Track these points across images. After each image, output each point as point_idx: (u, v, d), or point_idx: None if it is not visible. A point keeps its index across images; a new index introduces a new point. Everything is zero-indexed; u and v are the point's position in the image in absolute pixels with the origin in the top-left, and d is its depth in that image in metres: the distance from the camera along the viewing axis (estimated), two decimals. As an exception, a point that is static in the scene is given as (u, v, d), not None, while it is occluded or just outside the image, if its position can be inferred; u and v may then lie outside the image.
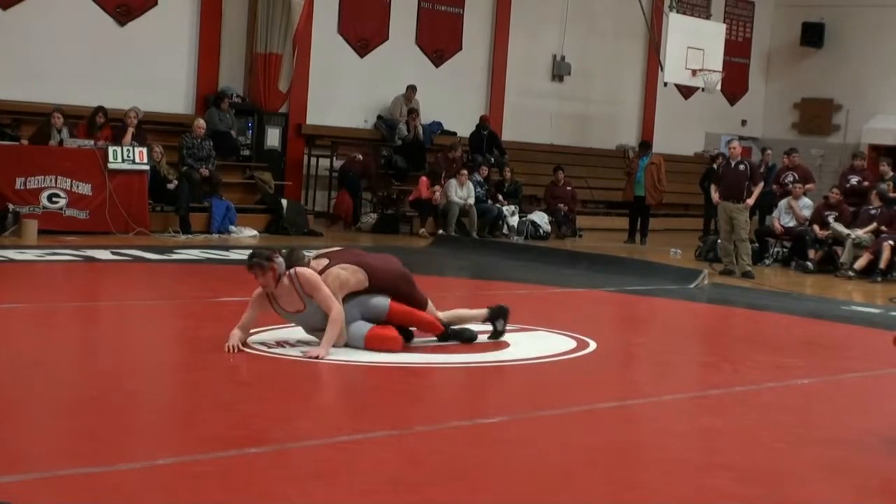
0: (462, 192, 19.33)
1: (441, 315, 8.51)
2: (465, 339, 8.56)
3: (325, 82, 20.40)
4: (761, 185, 16.20)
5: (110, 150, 15.60)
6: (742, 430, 6.56)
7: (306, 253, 8.23)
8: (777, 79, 28.65)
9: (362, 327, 8.03)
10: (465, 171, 19.49)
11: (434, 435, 5.96)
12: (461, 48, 22.82)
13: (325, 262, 8.12)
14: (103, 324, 9.41)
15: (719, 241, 16.31)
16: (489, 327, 8.77)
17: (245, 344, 7.76)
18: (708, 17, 25.23)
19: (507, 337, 8.91)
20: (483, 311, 8.78)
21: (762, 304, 12.77)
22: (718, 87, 22.72)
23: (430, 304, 8.49)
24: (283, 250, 8.10)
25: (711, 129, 27.16)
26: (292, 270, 7.82)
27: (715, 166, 20.53)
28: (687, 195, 23.88)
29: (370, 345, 7.95)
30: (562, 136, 24.62)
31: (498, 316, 8.76)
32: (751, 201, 15.74)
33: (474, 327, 8.73)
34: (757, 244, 17.45)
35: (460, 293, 13.18)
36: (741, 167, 15.81)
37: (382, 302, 8.14)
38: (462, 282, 14.50)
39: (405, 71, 21.43)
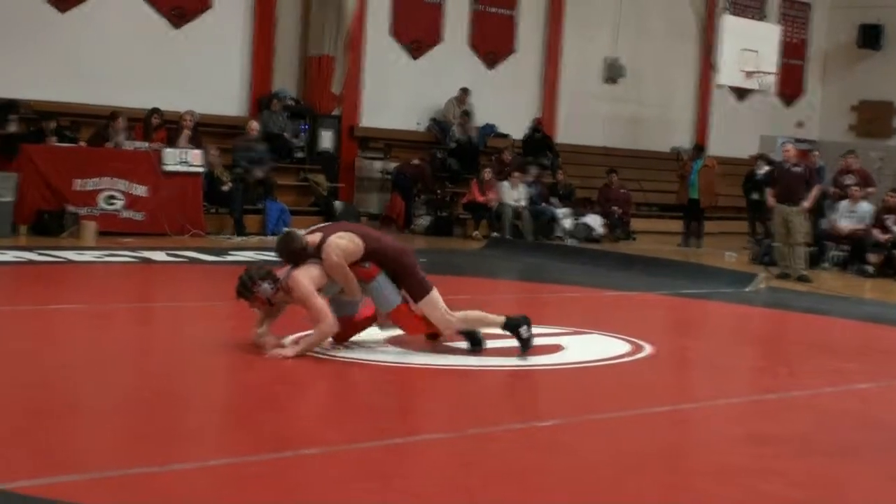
0: (515, 193, 19.30)
1: (457, 315, 8.03)
2: (473, 342, 8.16)
3: (378, 84, 20.44)
4: (819, 187, 16.02)
5: (166, 152, 15.74)
6: (798, 436, 6.48)
7: (300, 232, 8.01)
8: (834, 81, 28.33)
9: (394, 297, 7.88)
10: (517, 174, 19.46)
11: (487, 438, 5.93)
12: (514, 50, 22.79)
13: (319, 235, 7.83)
14: (158, 325, 9.48)
15: (775, 244, 16.15)
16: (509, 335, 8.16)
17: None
18: (762, 18, 25.03)
19: (560, 340, 8.87)
20: (501, 318, 8.11)
21: (819, 308, 12.62)
22: (773, 89, 22.51)
23: (442, 304, 7.99)
24: (279, 234, 8.04)
25: (766, 132, 26.89)
26: (282, 282, 7.62)
27: (756, 170, 20.45)
28: (742, 198, 23.65)
29: (395, 316, 7.86)
30: (615, 139, 24.49)
31: (518, 325, 8.07)
32: (808, 204, 15.57)
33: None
34: (815, 247, 17.25)
35: (513, 296, 13.15)
36: (797, 170, 15.64)
37: (394, 300, 7.91)
38: (515, 284, 14.47)
39: (458, 73, 21.42)
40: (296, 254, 7.75)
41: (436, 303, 7.89)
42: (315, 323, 7.57)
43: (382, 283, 7.86)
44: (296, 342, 7.68)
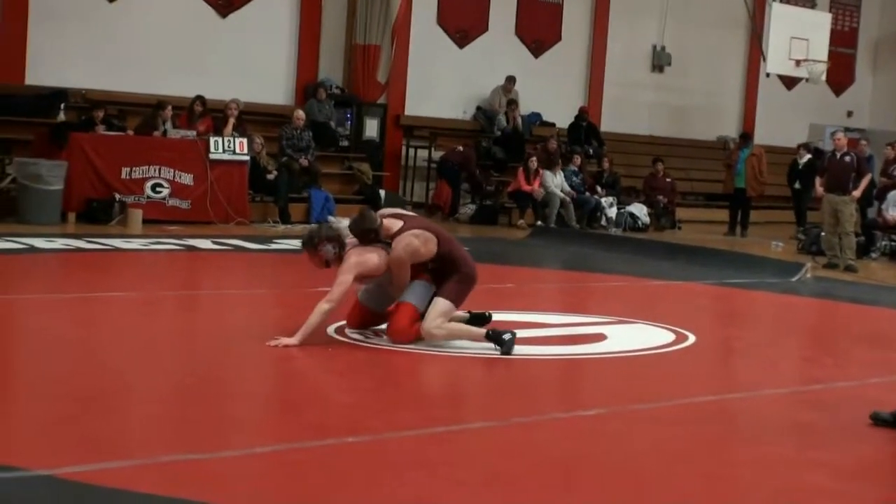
0: (556, 180, 19.28)
1: (446, 328, 7.83)
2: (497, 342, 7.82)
3: (424, 73, 20.44)
4: (869, 177, 15.87)
5: (212, 140, 15.82)
6: (843, 427, 6.43)
7: (375, 214, 7.97)
8: (885, 69, 27.99)
9: (420, 303, 7.80)
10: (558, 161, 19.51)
11: (531, 427, 5.94)
12: (560, 39, 22.70)
13: (398, 224, 7.79)
14: (203, 312, 9.55)
15: (822, 233, 16.02)
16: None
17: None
18: (813, 6, 24.78)
19: (604, 329, 8.85)
20: (481, 332, 7.89)
21: (867, 298, 12.51)
22: (823, 77, 22.30)
23: (448, 315, 7.85)
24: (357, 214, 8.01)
25: (816, 121, 26.62)
26: (344, 251, 7.69)
27: (798, 159, 20.32)
28: (790, 187, 23.46)
29: (399, 311, 7.78)
30: (661, 127, 24.36)
31: (499, 337, 7.76)
32: (857, 193, 15.43)
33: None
34: (863, 237, 17.09)
35: (557, 285, 13.14)
36: (847, 159, 15.50)
37: (418, 303, 7.80)
38: (559, 274, 14.45)
39: (504, 62, 21.37)
40: (365, 234, 7.76)
41: (446, 311, 7.77)
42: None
43: (425, 286, 7.84)
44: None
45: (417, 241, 7.70)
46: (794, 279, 13.55)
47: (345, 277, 7.57)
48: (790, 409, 6.95)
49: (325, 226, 7.95)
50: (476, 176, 19.72)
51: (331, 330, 8.01)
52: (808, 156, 21.07)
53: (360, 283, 7.90)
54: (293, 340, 7.45)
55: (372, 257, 7.68)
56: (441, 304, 7.74)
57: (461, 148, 19.64)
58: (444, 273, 7.83)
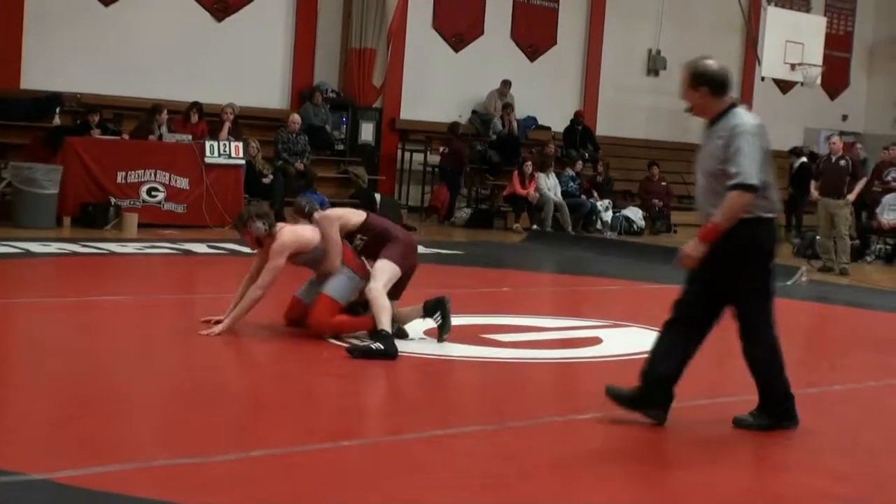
0: (549, 182, 19.29)
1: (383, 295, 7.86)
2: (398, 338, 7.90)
3: (420, 77, 20.46)
4: (864, 180, 15.89)
5: (207, 144, 15.82)
6: (840, 430, 6.44)
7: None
8: (880, 73, 28.06)
9: (346, 295, 7.93)
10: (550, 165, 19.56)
11: (527, 430, 5.93)
12: (556, 43, 22.74)
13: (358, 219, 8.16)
14: (200, 316, 9.53)
15: (818, 237, 16.03)
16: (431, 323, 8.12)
17: None
18: (808, 10, 24.81)
19: (600, 333, 8.85)
20: (419, 308, 8.09)
21: (863, 302, 12.52)
22: (818, 81, 22.34)
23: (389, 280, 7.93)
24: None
25: (811, 125, 26.69)
26: (275, 229, 7.94)
27: (794, 163, 20.44)
28: (785, 191, 23.49)
29: (321, 304, 7.86)
30: (657, 131, 24.39)
31: (435, 309, 7.99)
32: (852, 197, 15.45)
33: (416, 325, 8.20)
34: (858, 241, 17.11)
35: (553, 288, 13.14)
36: (842, 163, 15.53)
37: (342, 296, 7.92)
38: (555, 277, 14.45)
39: (500, 65, 21.39)
40: (300, 215, 8.32)
41: (389, 272, 7.84)
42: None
43: (349, 278, 7.92)
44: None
45: (343, 210, 8.24)
46: (789, 283, 13.55)
47: (276, 262, 7.78)
48: (786, 413, 6.94)
49: (255, 204, 8.25)
50: (468, 175, 19.76)
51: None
52: (801, 160, 21.17)
53: (296, 265, 8.06)
54: (221, 328, 7.72)
55: (305, 230, 7.98)
56: (384, 265, 7.85)
57: (444, 149, 19.64)
58: (376, 245, 7.97)
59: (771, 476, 5.42)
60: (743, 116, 5.84)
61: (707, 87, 5.87)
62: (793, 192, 21.13)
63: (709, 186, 5.90)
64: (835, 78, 26.31)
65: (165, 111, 16.06)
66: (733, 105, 5.91)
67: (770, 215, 5.89)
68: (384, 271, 7.84)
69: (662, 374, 6.07)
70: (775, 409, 6.14)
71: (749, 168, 5.69)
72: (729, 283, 5.95)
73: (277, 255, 7.78)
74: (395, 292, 7.99)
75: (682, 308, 6.12)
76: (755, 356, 6.19)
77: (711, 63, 5.96)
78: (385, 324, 7.54)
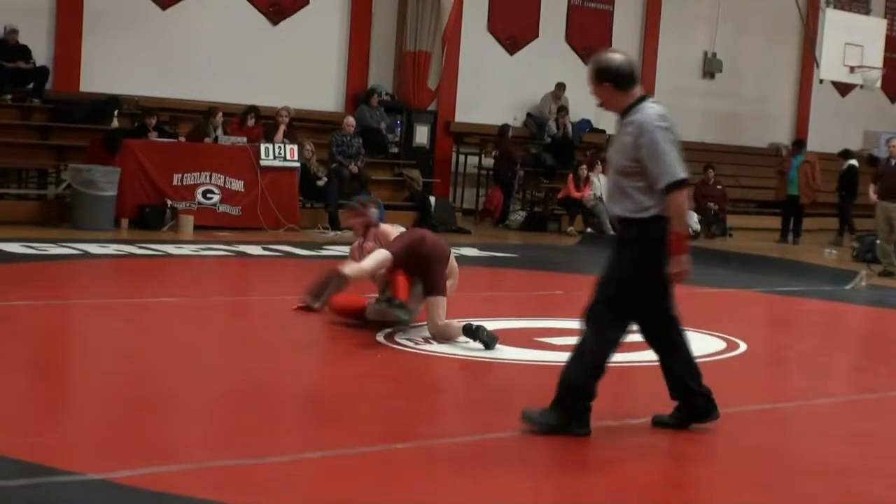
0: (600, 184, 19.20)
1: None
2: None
3: (474, 80, 20.46)
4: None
5: (262, 147, 15.90)
6: (900, 437, 6.35)
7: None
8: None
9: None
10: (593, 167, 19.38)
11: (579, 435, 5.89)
12: (611, 45, 22.57)
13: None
14: (253, 318, 9.59)
15: (877, 241, 15.83)
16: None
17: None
18: (867, 12, 24.53)
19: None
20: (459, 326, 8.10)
21: (922, 307, 12.34)
22: (878, 83, 22.08)
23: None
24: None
25: (870, 127, 26.36)
26: (375, 228, 8.36)
27: (846, 166, 20.31)
28: (834, 194, 23.23)
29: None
30: (712, 134, 24.21)
31: (473, 335, 7.93)
32: (913, 201, 15.23)
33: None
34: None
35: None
36: (902, 166, 15.32)
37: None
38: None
39: (554, 68, 21.34)
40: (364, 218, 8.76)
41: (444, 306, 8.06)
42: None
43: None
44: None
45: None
46: (847, 287, 13.40)
47: (389, 248, 8.01)
48: (846, 419, 6.87)
49: (365, 196, 8.55)
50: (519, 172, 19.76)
51: (380, 336, 8.03)
52: (849, 162, 20.96)
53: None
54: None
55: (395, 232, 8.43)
56: (439, 301, 7.97)
57: (495, 152, 19.60)
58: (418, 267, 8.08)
59: (828, 481, 5.35)
60: (647, 111, 5.67)
61: (610, 83, 5.72)
62: (843, 194, 20.93)
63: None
64: (895, 80, 25.97)
65: (220, 113, 16.18)
66: (642, 98, 5.76)
67: (666, 213, 5.60)
68: (442, 308, 7.97)
69: (686, 385, 5.95)
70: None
71: (671, 163, 5.55)
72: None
73: (385, 249, 8.01)
74: (430, 287, 8.04)
75: (644, 323, 5.97)
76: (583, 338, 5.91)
77: (615, 57, 5.81)
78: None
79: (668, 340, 6.01)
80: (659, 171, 5.55)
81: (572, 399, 5.74)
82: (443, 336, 7.98)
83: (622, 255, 5.74)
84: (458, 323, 8.01)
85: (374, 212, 8.47)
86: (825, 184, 21.18)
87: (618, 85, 5.72)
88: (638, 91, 5.78)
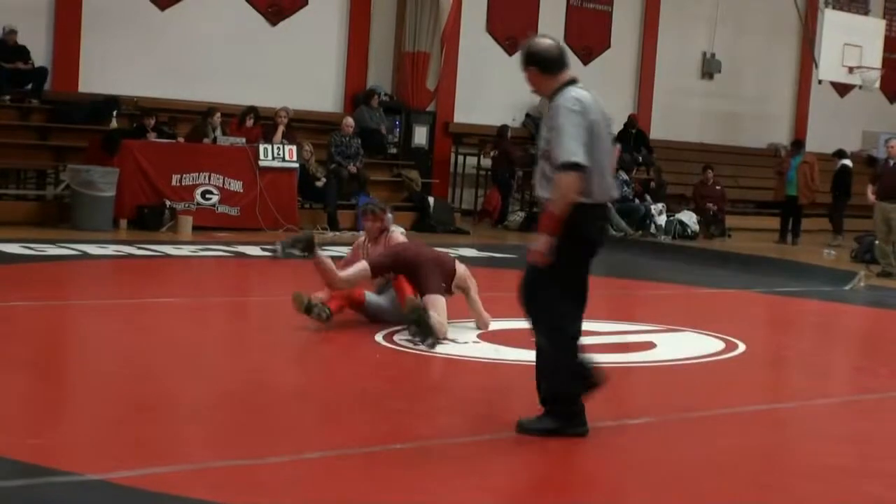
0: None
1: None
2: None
3: (473, 80, 20.45)
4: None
5: (261, 148, 15.90)
6: (899, 437, 6.35)
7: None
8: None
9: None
10: None
11: (580, 435, 5.89)
12: (609, 46, 22.65)
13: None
14: (252, 319, 9.60)
15: (876, 241, 15.83)
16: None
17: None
18: (866, 12, 24.53)
19: (654, 337, 8.80)
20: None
21: (921, 307, 12.35)
22: (877, 84, 22.08)
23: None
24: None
25: (869, 128, 26.37)
26: (388, 233, 8.73)
27: (839, 166, 20.34)
28: (827, 194, 23.22)
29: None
30: (711, 135, 24.23)
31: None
32: (910, 201, 15.22)
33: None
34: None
35: (606, 292, 13.05)
36: (901, 166, 15.31)
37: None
38: (608, 281, 14.35)
39: (553, 69, 21.29)
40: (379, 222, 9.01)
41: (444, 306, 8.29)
42: None
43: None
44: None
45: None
46: (846, 288, 13.40)
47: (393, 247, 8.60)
48: (844, 419, 6.87)
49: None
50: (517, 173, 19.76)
51: (379, 337, 8.03)
52: (842, 162, 20.98)
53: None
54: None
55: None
56: (430, 299, 8.11)
57: (494, 152, 19.61)
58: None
59: (828, 482, 5.35)
60: (567, 94, 5.64)
61: (536, 67, 5.75)
62: (837, 194, 20.95)
63: (541, 168, 5.71)
64: (894, 81, 25.97)
65: (218, 114, 16.17)
66: (569, 83, 5.73)
67: (587, 200, 5.53)
68: (442, 308, 8.17)
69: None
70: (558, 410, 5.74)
71: (569, 145, 5.45)
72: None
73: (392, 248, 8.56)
74: (421, 288, 8.24)
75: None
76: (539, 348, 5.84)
77: (541, 41, 5.83)
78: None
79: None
80: (557, 152, 5.50)
81: (561, 406, 5.72)
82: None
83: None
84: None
85: (389, 217, 8.84)
86: (824, 184, 21.19)
87: (543, 69, 5.76)
88: (565, 76, 5.78)
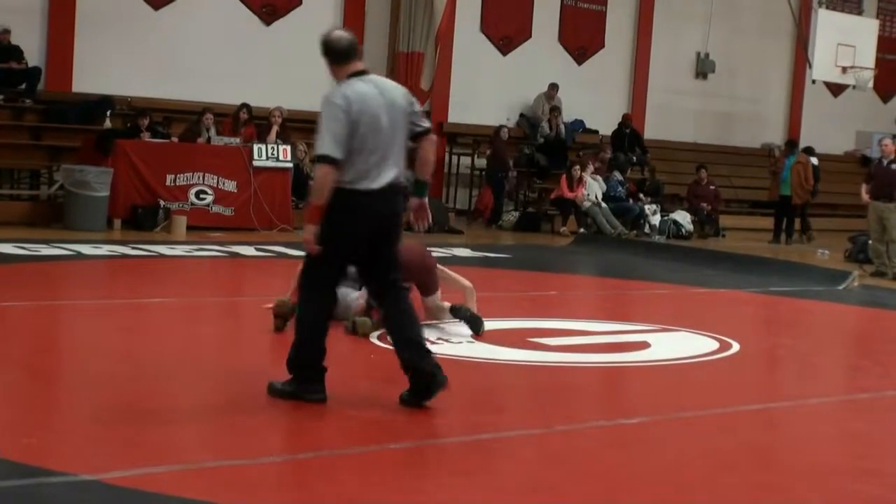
0: (593, 186, 19.19)
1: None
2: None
3: (467, 81, 20.46)
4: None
5: (255, 147, 15.88)
6: (893, 435, 6.35)
7: None
8: (932, 75, 27.71)
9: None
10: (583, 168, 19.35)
11: (574, 434, 5.90)
12: (604, 46, 22.66)
13: None
14: (246, 319, 9.58)
15: (870, 241, 15.85)
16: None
17: None
18: (860, 12, 24.55)
19: (648, 337, 8.81)
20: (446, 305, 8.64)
21: (915, 307, 12.36)
22: (871, 84, 22.11)
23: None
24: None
25: (863, 128, 26.42)
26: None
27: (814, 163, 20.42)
28: (836, 195, 23.26)
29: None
30: (705, 135, 24.26)
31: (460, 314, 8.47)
32: (903, 200, 15.24)
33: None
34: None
35: (600, 292, 13.07)
36: (893, 166, 15.32)
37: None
38: (602, 281, 14.38)
39: (547, 69, 21.35)
40: None
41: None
42: None
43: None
44: None
45: None
46: (840, 287, 13.41)
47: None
48: (838, 418, 6.88)
49: None
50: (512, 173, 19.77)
51: (374, 338, 8.02)
52: (810, 160, 21.02)
53: None
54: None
55: None
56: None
57: (488, 151, 19.63)
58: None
59: (822, 481, 5.35)
60: (340, 88, 6.02)
61: (328, 57, 6.13)
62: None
63: None
64: (887, 81, 25.98)
65: (211, 114, 16.16)
66: (354, 75, 6.06)
67: (347, 186, 5.87)
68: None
69: (405, 359, 6.18)
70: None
71: (323, 139, 5.85)
72: None
73: None
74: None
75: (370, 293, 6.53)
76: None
77: (333, 33, 6.21)
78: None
79: (392, 312, 6.20)
80: (316, 144, 5.92)
81: (296, 372, 6.07)
82: (433, 315, 8.50)
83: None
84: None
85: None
86: (821, 184, 21.18)
87: (333, 60, 6.14)
88: (353, 67, 6.11)
